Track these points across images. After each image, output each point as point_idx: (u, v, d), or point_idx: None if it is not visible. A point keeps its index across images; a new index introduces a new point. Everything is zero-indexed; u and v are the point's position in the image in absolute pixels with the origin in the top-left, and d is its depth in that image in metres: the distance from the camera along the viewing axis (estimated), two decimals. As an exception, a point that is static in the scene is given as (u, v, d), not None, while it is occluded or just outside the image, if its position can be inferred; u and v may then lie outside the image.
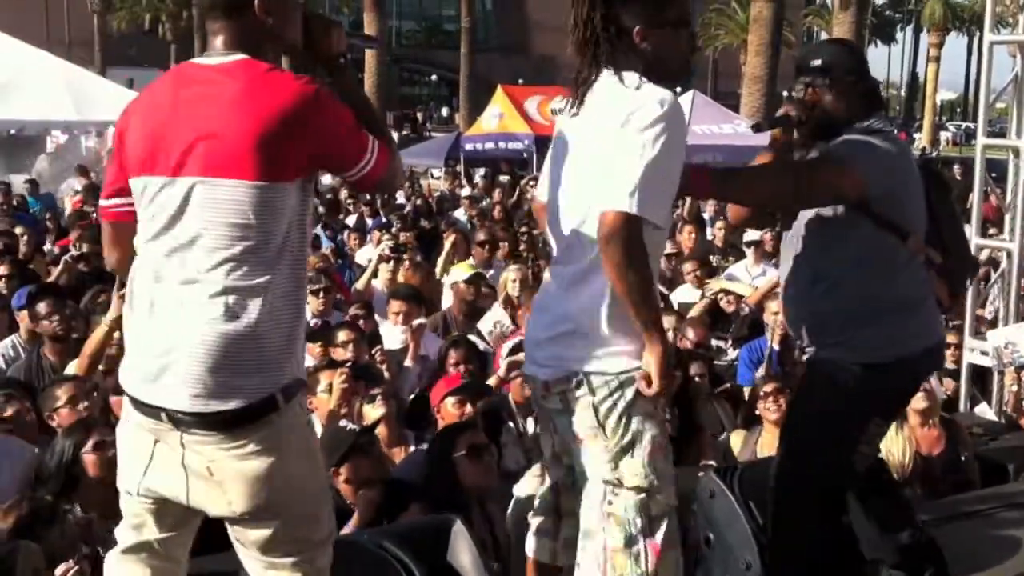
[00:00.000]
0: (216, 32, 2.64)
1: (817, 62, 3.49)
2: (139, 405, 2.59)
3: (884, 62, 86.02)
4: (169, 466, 2.59)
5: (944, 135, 60.96)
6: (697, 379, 5.64)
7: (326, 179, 21.40)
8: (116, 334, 5.33)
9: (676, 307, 7.58)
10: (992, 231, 7.86)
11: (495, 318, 6.65)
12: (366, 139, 2.62)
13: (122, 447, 2.73)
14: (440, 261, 8.70)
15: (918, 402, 4.98)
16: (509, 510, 4.27)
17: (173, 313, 2.52)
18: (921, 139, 57.21)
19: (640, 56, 2.95)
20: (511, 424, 5.26)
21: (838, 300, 3.41)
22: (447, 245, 8.97)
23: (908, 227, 3.39)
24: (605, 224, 2.75)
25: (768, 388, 5.33)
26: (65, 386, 4.73)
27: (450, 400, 4.91)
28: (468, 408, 4.89)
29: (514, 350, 5.62)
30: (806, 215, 3.49)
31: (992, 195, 7.25)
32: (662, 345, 2.84)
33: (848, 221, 3.36)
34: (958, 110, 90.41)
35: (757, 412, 5.37)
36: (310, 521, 2.69)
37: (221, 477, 2.54)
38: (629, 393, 2.89)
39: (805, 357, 3.63)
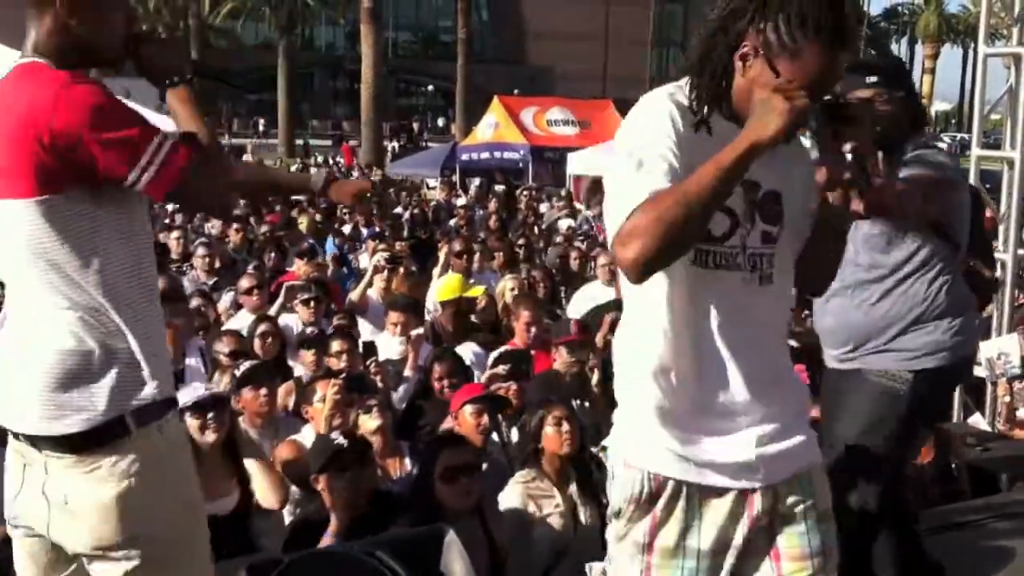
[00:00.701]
0: (26, 30, 2.42)
1: (876, 76, 3.46)
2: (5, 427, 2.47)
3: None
4: (34, 493, 2.44)
5: (940, 145, 60.99)
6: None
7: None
8: None
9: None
10: (986, 242, 7.89)
11: (470, 352, 6.59)
12: (141, 144, 2.30)
13: (5, 470, 2.57)
14: (436, 271, 8.71)
15: None
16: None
17: (15, 332, 2.45)
18: (916, 150, 57.23)
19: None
20: (494, 435, 5.28)
21: (891, 306, 3.41)
22: (442, 256, 8.98)
23: (958, 239, 3.46)
24: None
25: None
26: None
27: (468, 408, 4.93)
28: (486, 419, 4.91)
29: (497, 361, 5.66)
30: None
31: (987, 206, 7.27)
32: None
33: (908, 229, 3.38)
34: (953, 121, 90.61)
35: None
36: (179, 562, 2.49)
37: (76, 507, 2.38)
38: None
39: (842, 365, 3.56)
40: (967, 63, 78.82)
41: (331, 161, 34.69)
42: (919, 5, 76.86)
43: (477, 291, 7.83)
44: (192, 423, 4.32)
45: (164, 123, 2.68)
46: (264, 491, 4.42)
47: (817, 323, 3.67)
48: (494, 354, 5.76)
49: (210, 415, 4.36)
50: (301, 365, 6.16)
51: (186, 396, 4.36)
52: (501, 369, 5.54)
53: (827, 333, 3.62)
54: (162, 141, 2.32)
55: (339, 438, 4.24)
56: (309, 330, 6.66)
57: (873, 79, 3.42)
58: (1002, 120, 6.91)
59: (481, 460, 4.28)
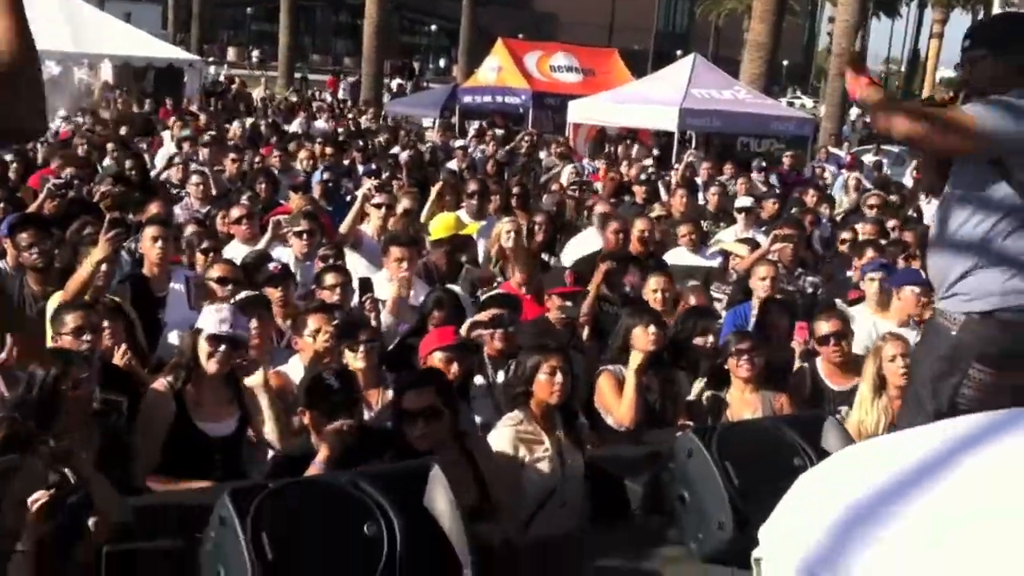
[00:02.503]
0: None
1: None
2: None
3: (887, 37, 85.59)
4: None
5: None
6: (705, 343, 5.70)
7: (318, 124, 21.33)
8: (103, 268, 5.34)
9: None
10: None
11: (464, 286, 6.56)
12: None
13: None
14: (426, 209, 8.66)
15: (897, 378, 5.02)
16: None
17: None
18: (919, 116, 56.94)
19: None
20: (479, 378, 5.29)
21: (959, 253, 3.67)
22: (433, 193, 8.94)
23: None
24: None
25: (742, 345, 5.33)
26: (74, 314, 4.67)
27: (438, 355, 4.92)
28: (455, 367, 4.90)
29: (488, 303, 5.66)
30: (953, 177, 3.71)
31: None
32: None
33: (990, 180, 3.59)
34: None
35: (727, 368, 5.35)
36: None
37: None
38: None
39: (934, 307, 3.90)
40: (976, 31, 77.98)
41: (328, 97, 34.40)
42: (931, -31, 76.05)
43: (472, 228, 7.81)
44: (204, 348, 4.35)
45: None
46: (278, 432, 4.43)
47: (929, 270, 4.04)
48: (484, 295, 5.74)
49: (222, 348, 4.39)
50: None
51: (210, 324, 4.38)
52: (484, 316, 5.52)
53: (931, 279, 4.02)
54: None
55: (330, 378, 4.24)
56: (272, 266, 6.49)
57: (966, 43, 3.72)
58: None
59: (451, 403, 4.19)
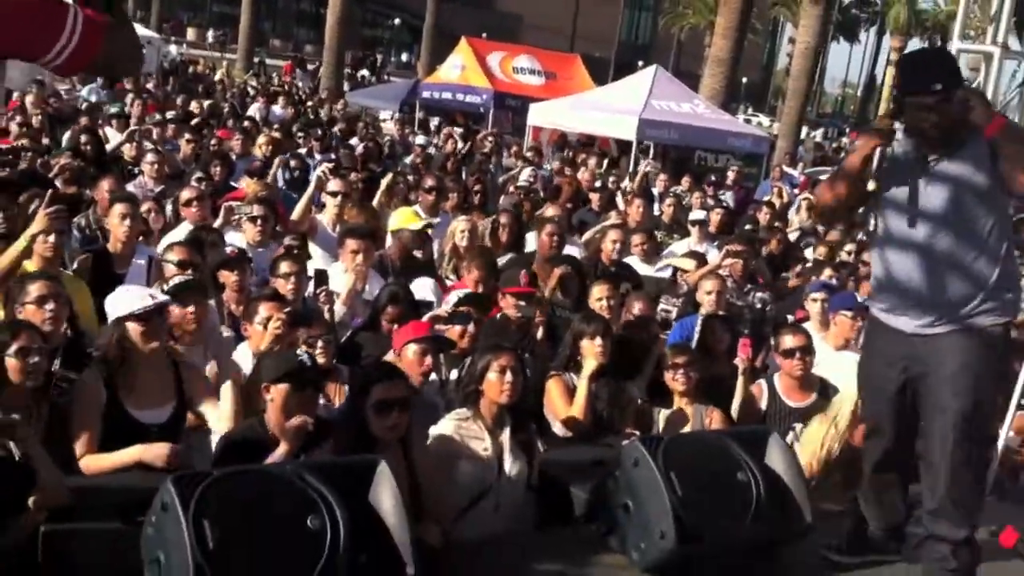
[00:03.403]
0: None
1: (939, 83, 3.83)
2: None
3: (845, 60, 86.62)
4: None
5: (894, 139, 61.71)
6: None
7: (277, 110, 21.14)
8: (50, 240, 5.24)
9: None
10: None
11: (425, 289, 6.50)
12: (62, 17, 2.15)
13: None
14: (375, 203, 8.62)
15: (853, 402, 5.09)
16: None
17: None
18: (871, 141, 57.84)
19: None
20: (434, 374, 5.27)
21: (992, 268, 3.86)
22: (382, 185, 8.92)
23: None
24: None
25: (679, 359, 5.39)
26: (38, 283, 4.55)
27: (413, 347, 4.90)
28: (429, 359, 4.89)
29: (460, 303, 5.62)
30: (942, 197, 3.84)
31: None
32: None
33: (1000, 200, 3.86)
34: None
35: (664, 382, 5.40)
36: None
37: None
38: None
39: (955, 327, 3.91)
40: (931, 61, 79.32)
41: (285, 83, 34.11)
42: (891, -3, 77.26)
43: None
44: (136, 329, 4.26)
45: None
46: (226, 414, 4.35)
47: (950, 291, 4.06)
48: (454, 295, 5.68)
49: (153, 322, 4.30)
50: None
51: (133, 303, 4.29)
52: (444, 311, 5.51)
53: (953, 295, 4.03)
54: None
55: (304, 355, 4.20)
56: (229, 249, 6.42)
57: (937, 87, 3.79)
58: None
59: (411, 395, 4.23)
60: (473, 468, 4.32)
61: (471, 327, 5.40)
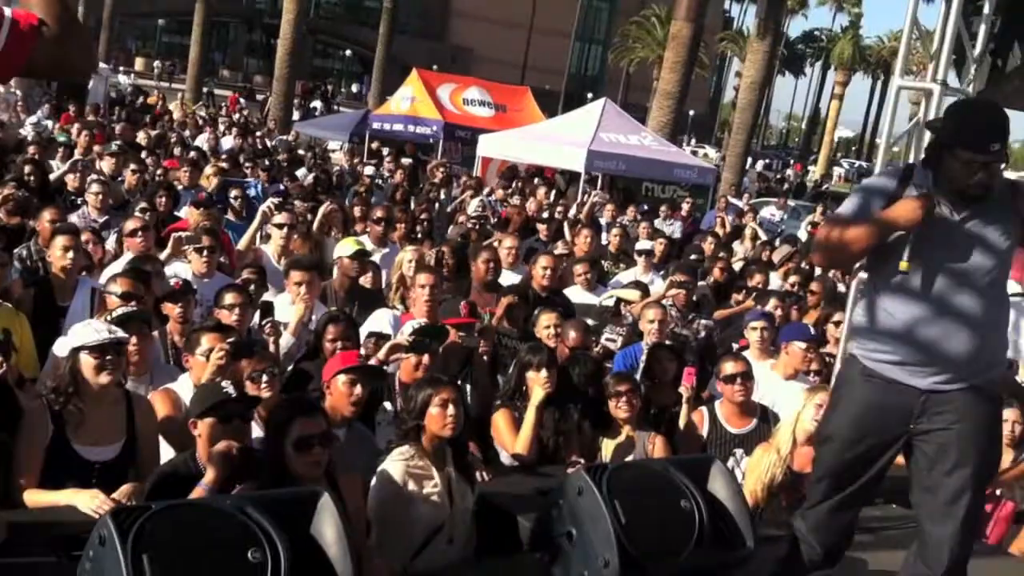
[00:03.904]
0: None
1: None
2: None
3: (791, 94, 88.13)
4: None
5: (837, 170, 62.92)
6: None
7: (227, 142, 21.04)
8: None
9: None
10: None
11: (380, 323, 6.46)
12: None
13: None
14: (312, 230, 8.62)
15: (809, 425, 5.12)
16: (373, 484, 4.26)
17: None
18: (815, 172, 58.90)
19: None
20: (388, 404, 5.24)
21: (1002, 330, 4.01)
22: (319, 214, 8.92)
23: None
24: None
25: (620, 387, 5.44)
26: None
27: (342, 378, 4.74)
28: (359, 389, 4.73)
29: (416, 333, 5.58)
30: (976, 257, 3.78)
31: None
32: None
33: (1008, 263, 3.92)
34: (853, 148, 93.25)
35: (607, 410, 5.43)
36: None
37: None
38: None
39: (971, 382, 3.86)
40: (874, 94, 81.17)
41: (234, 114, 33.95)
42: (836, 33, 78.83)
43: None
44: (89, 362, 4.21)
45: None
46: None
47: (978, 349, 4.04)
48: (408, 326, 5.62)
49: (108, 357, 4.25)
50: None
51: (87, 336, 4.24)
52: (404, 339, 5.41)
53: (979, 354, 4.00)
54: None
55: (229, 387, 4.13)
56: (174, 281, 6.36)
57: (996, 147, 3.67)
58: (902, 152, 7.13)
59: (332, 429, 4.10)
60: (426, 506, 4.27)
61: (425, 359, 5.28)
